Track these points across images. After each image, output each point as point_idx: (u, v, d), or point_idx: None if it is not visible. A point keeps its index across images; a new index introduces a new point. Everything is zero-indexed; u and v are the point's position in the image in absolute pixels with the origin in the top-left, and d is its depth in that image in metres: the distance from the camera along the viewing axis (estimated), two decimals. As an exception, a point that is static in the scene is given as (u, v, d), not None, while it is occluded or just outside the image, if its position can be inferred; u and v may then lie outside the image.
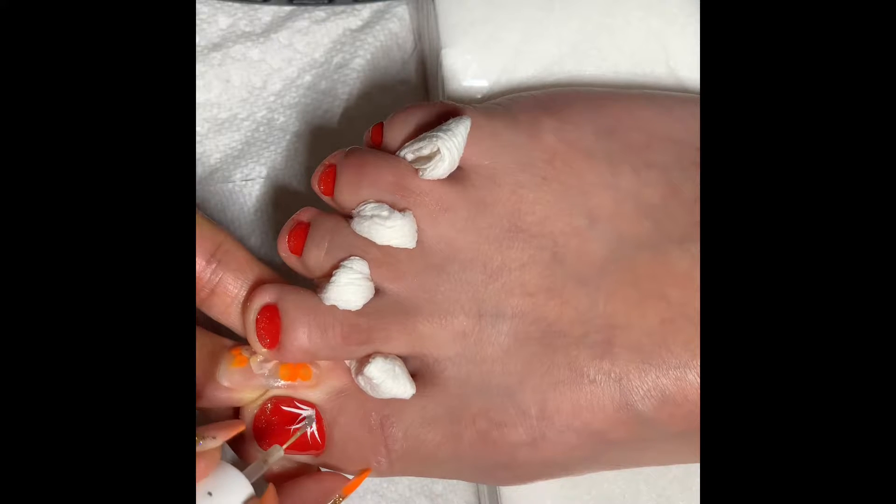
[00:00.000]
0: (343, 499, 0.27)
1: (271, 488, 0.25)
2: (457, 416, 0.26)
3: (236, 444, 0.28)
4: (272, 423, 0.27)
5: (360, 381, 0.27)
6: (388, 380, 0.26)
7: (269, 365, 0.27)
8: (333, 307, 0.26)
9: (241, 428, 0.25)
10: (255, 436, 0.27)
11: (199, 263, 0.27)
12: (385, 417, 0.27)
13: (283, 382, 0.27)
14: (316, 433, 0.27)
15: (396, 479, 0.34)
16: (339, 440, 0.27)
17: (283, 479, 0.27)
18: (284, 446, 0.26)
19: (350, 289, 0.26)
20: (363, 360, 0.26)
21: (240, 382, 0.27)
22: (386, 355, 0.26)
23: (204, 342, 0.27)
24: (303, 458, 0.28)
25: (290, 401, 0.27)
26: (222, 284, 0.27)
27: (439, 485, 0.34)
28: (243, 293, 0.27)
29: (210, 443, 0.24)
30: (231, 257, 0.27)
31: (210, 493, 0.24)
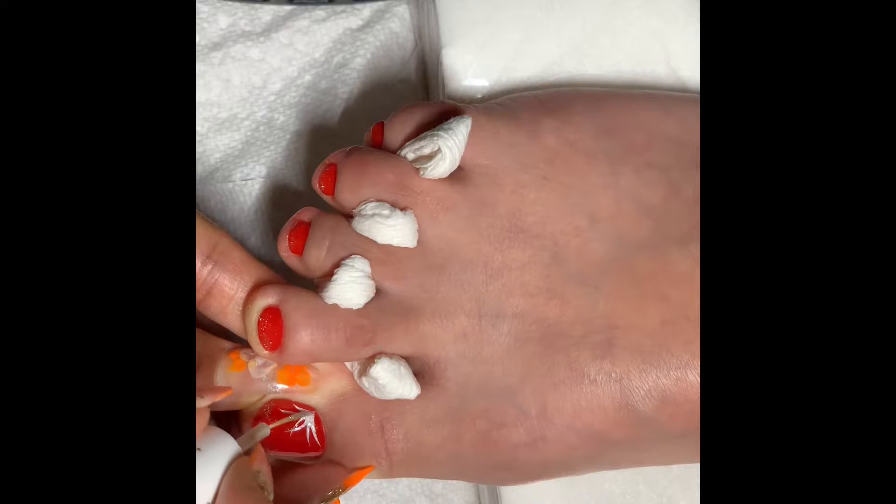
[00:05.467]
0: (344, 490, 0.27)
1: (259, 448, 0.25)
2: (457, 417, 0.26)
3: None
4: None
5: (365, 382, 0.26)
6: (394, 380, 0.26)
7: (268, 369, 0.27)
8: (336, 309, 0.26)
9: (228, 391, 0.25)
10: None
11: (195, 264, 0.27)
12: (385, 420, 0.27)
13: (281, 387, 0.27)
14: (315, 437, 0.27)
15: (396, 478, 0.34)
16: (340, 444, 0.27)
17: (285, 470, 0.27)
18: (272, 425, 0.26)
19: (351, 287, 0.26)
20: (367, 362, 0.26)
21: (238, 387, 0.27)
22: (391, 355, 0.26)
23: (202, 344, 0.27)
24: (303, 459, 0.28)
25: (289, 404, 0.27)
26: (218, 285, 0.27)
27: (439, 485, 0.34)
28: (241, 294, 0.27)
29: (199, 401, 0.24)
30: (227, 258, 0.27)
31: (199, 449, 0.24)
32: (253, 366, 0.27)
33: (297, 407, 0.27)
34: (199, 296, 0.27)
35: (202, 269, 0.27)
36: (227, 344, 0.28)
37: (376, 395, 0.26)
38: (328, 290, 0.26)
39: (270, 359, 0.27)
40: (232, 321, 0.27)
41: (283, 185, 0.37)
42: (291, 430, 0.27)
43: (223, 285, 0.27)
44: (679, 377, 0.26)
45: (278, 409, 0.27)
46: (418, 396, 0.26)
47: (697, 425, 0.26)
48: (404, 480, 0.34)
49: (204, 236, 0.27)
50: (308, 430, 0.27)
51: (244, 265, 0.27)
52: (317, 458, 0.27)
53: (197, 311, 0.28)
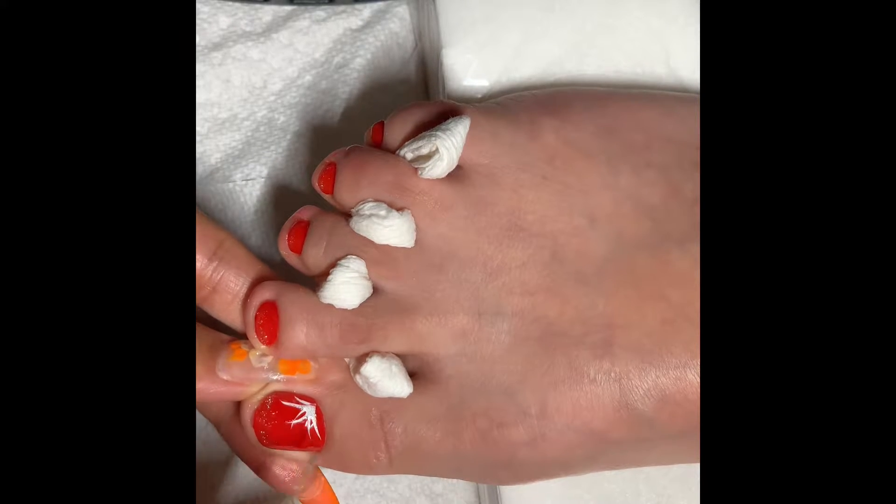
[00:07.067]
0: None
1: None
2: (457, 415, 0.26)
3: (235, 436, 0.28)
4: (272, 417, 0.27)
5: (358, 379, 0.27)
6: (384, 379, 0.26)
7: (269, 358, 0.27)
8: (331, 306, 0.26)
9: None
10: (254, 430, 0.27)
11: (201, 262, 0.27)
12: (385, 413, 0.27)
13: (282, 376, 0.27)
14: (316, 429, 0.27)
15: (396, 478, 0.34)
16: (340, 436, 0.27)
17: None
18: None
19: (346, 287, 0.26)
20: (360, 359, 0.26)
21: (239, 376, 0.27)
22: (383, 354, 0.26)
23: (202, 337, 0.28)
24: (302, 455, 0.28)
25: (291, 396, 0.27)
26: (223, 282, 0.28)
27: (439, 484, 0.34)
28: (244, 291, 0.28)
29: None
30: (232, 255, 0.28)
31: None
32: (254, 355, 0.27)
33: (298, 399, 0.27)
34: (203, 293, 0.28)
35: (207, 267, 0.27)
36: (226, 336, 0.28)
37: (369, 392, 0.27)
38: (323, 290, 0.26)
39: (268, 352, 0.27)
40: (235, 318, 0.28)
41: (284, 185, 0.37)
42: (292, 422, 0.27)
43: (228, 282, 0.28)
44: (678, 377, 0.26)
45: (279, 400, 0.27)
46: (418, 393, 0.26)
47: (696, 425, 0.26)
48: (404, 480, 0.34)
49: (210, 235, 0.27)
50: (308, 422, 0.27)
51: (248, 263, 0.28)
52: (317, 451, 0.27)
53: (198, 308, 0.28)
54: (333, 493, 0.29)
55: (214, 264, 0.27)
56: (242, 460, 0.29)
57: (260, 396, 0.27)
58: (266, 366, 0.27)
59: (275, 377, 0.27)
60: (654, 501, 0.30)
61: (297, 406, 0.27)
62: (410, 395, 0.26)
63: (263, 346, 0.27)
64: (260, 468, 0.28)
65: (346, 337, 0.26)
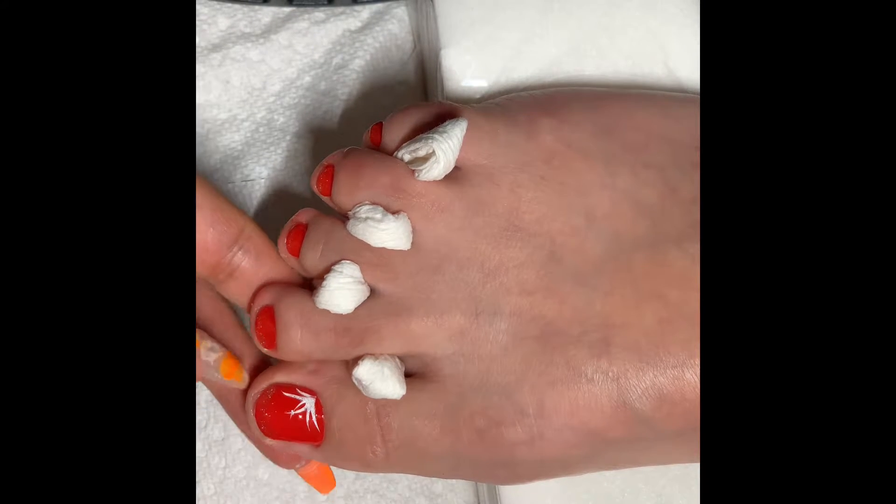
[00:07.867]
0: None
1: None
2: (455, 414, 0.26)
3: (237, 412, 0.29)
4: (272, 407, 0.28)
5: (353, 380, 0.27)
6: (375, 381, 0.26)
7: (217, 355, 0.28)
8: (326, 310, 0.27)
9: None
10: (256, 419, 0.28)
11: (222, 249, 0.28)
12: (381, 408, 0.27)
13: (220, 377, 0.28)
14: (315, 423, 0.27)
15: (396, 479, 0.34)
16: (337, 429, 0.27)
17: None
18: None
19: (340, 293, 0.27)
20: (355, 361, 0.27)
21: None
22: (376, 356, 0.27)
23: None
24: (302, 448, 0.28)
25: (292, 387, 0.28)
26: (241, 270, 0.28)
27: (439, 485, 0.34)
28: (259, 279, 0.29)
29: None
30: (252, 244, 0.28)
31: None
32: (204, 347, 0.28)
33: (299, 390, 0.27)
34: (220, 277, 0.29)
35: (227, 255, 0.28)
36: None
37: (364, 393, 0.27)
38: (318, 295, 0.27)
39: (217, 348, 0.28)
40: (246, 303, 0.29)
41: (283, 186, 0.37)
42: (291, 412, 0.27)
43: (245, 270, 0.28)
44: (676, 376, 0.26)
45: (280, 391, 0.28)
46: (416, 391, 0.27)
47: (694, 424, 0.26)
48: (404, 480, 0.34)
49: (233, 221, 0.28)
50: (308, 415, 0.27)
51: (266, 251, 0.29)
52: (315, 445, 0.28)
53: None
54: (330, 470, 0.30)
55: (234, 251, 0.28)
56: (245, 435, 0.29)
57: (263, 387, 0.28)
58: (211, 361, 0.28)
59: (216, 375, 0.28)
60: (654, 501, 0.30)
61: (297, 397, 0.28)
62: (408, 393, 0.27)
63: (266, 350, 0.28)
64: (261, 443, 0.29)
65: (341, 341, 0.27)
